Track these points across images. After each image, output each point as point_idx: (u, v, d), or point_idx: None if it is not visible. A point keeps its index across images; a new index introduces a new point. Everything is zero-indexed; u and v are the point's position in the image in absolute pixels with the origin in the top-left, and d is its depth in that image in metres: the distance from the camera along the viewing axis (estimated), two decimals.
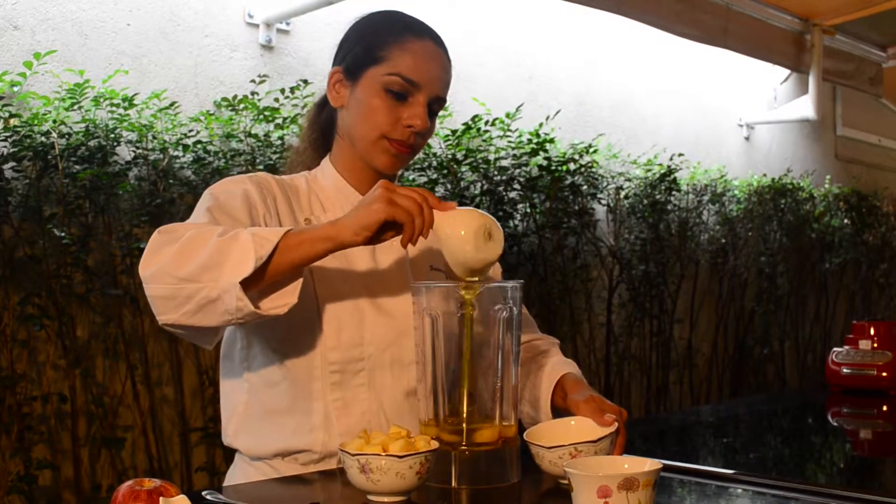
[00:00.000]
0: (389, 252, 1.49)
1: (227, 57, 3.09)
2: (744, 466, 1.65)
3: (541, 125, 3.64)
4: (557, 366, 1.49)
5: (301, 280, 1.26)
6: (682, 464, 1.53)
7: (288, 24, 3.24)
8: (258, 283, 1.22)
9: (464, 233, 1.23)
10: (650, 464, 1.07)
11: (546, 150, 3.62)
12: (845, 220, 5.39)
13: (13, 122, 2.50)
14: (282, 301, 1.25)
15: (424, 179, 3.34)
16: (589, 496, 1.02)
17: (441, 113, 3.38)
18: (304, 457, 1.43)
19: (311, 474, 1.41)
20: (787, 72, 5.12)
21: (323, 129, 1.58)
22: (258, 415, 1.45)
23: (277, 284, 1.25)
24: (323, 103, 1.58)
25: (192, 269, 1.21)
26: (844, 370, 2.41)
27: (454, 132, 3.42)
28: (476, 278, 1.28)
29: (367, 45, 1.47)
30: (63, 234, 2.53)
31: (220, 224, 1.30)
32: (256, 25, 3.16)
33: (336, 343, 1.41)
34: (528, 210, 3.69)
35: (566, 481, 1.21)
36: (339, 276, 1.44)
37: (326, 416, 1.42)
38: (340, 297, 1.42)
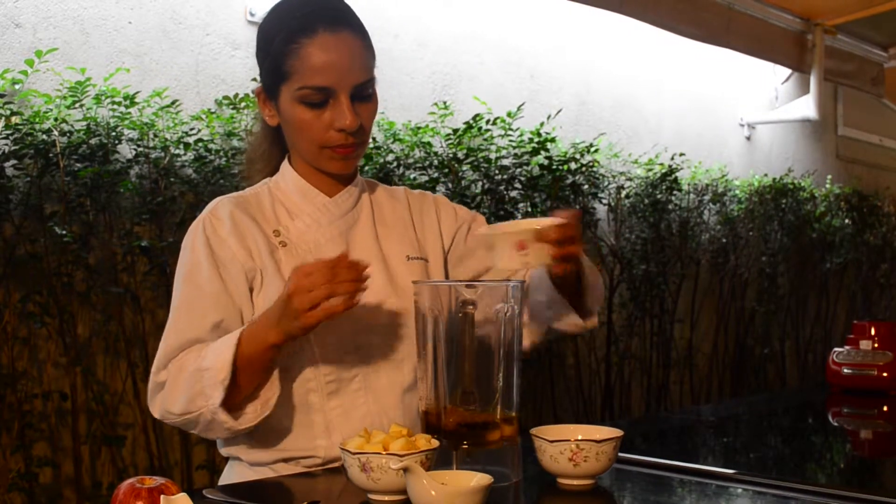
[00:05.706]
0: (362, 249, 1.47)
1: (228, 55, 3.09)
2: (744, 466, 1.65)
3: (542, 124, 3.64)
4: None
5: (276, 393, 1.35)
6: (683, 463, 1.53)
7: None
8: (241, 393, 1.34)
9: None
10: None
11: (547, 150, 3.62)
12: (846, 221, 5.39)
13: (14, 119, 2.50)
14: (259, 413, 1.36)
15: (425, 178, 3.33)
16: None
17: (442, 112, 3.44)
18: (307, 461, 1.42)
19: (311, 473, 1.41)
20: (788, 71, 5.12)
21: (277, 131, 1.52)
22: (257, 429, 1.41)
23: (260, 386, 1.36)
24: None
25: (183, 404, 1.36)
26: (845, 370, 2.41)
27: (455, 131, 3.41)
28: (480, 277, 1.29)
29: (270, 61, 1.41)
30: (64, 232, 2.53)
31: (205, 307, 1.42)
32: (258, 24, 3.16)
33: (330, 355, 1.40)
34: (529, 209, 3.69)
35: (566, 480, 1.21)
36: None
37: (327, 426, 1.41)
38: None
